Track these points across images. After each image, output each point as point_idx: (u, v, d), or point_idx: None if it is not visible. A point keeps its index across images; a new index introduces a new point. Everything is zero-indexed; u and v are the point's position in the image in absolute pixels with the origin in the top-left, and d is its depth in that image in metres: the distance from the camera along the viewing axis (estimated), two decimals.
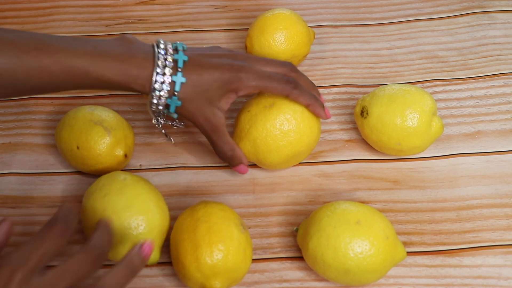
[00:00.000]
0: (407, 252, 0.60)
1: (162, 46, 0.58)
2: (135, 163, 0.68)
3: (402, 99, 0.64)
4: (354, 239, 0.55)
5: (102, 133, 0.62)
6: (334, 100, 0.74)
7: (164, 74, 0.57)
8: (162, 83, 0.57)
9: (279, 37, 0.71)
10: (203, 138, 0.70)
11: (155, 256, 0.58)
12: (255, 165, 0.67)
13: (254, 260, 0.61)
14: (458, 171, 0.67)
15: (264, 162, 0.64)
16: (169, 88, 0.57)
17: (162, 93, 0.57)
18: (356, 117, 0.67)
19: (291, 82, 0.60)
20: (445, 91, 0.74)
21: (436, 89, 0.74)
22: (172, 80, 0.57)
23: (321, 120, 0.71)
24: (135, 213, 0.56)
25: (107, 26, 0.81)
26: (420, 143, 0.65)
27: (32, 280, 0.44)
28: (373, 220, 0.56)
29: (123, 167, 0.66)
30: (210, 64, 0.59)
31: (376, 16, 0.82)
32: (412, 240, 0.62)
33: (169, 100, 0.58)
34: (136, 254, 0.49)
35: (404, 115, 0.63)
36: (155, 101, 0.58)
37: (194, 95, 0.58)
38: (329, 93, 0.74)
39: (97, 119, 0.63)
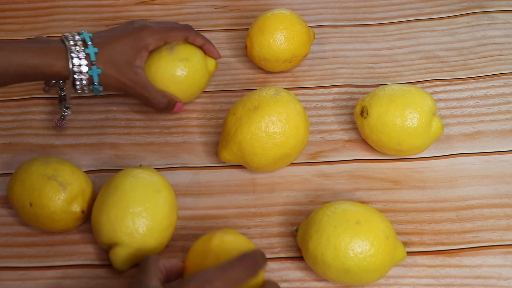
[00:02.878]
0: (407, 252, 0.60)
1: (69, 35, 0.63)
2: (135, 163, 0.68)
3: (402, 99, 0.64)
4: (354, 239, 0.55)
5: (56, 189, 0.59)
6: (334, 100, 0.74)
7: (77, 51, 0.61)
8: (79, 58, 0.61)
9: (279, 37, 0.71)
10: (203, 138, 0.70)
11: (123, 266, 0.57)
12: None
13: None
14: (458, 171, 0.67)
15: (251, 164, 0.64)
16: (86, 62, 0.62)
17: (82, 68, 0.62)
18: (356, 117, 0.67)
19: (187, 27, 0.69)
20: (445, 91, 0.74)
21: (436, 89, 0.74)
22: (86, 53, 0.62)
23: (321, 120, 0.72)
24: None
25: (107, 26, 0.81)
26: (420, 143, 0.65)
27: None
28: (373, 220, 0.56)
29: (80, 224, 0.62)
30: (116, 34, 0.65)
31: (376, 16, 0.82)
32: (412, 240, 0.62)
33: (90, 71, 0.62)
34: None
35: (404, 115, 0.63)
36: (77, 76, 0.62)
37: (111, 62, 0.63)
38: (329, 93, 0.74)
39: (51, 173, 0.59)
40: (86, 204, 0.61)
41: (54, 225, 0.60)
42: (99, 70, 0.63)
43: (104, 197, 0.58)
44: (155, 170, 0.62)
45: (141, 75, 0.65)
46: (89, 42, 0.62)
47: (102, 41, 0.63)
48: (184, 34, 0.68)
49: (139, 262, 0.52)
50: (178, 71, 0.68)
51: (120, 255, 0.57)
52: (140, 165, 0.65)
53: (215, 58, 0.71)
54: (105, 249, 0.59)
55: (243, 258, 0.48)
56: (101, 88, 0.64)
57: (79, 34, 0.63)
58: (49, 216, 0.59)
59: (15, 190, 0.60)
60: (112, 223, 0.57)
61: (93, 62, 0.62)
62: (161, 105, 0.67)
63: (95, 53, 0.62)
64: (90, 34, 0.63)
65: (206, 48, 0.70)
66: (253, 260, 0.48)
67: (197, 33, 0.69)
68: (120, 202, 0.57)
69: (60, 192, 0.59)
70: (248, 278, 0.47)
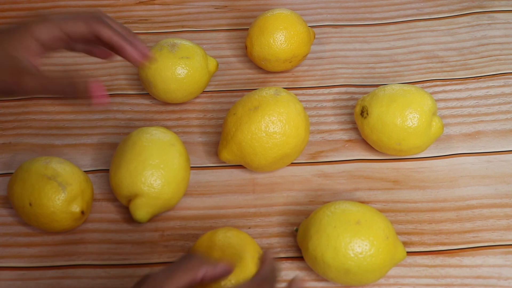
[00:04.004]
0: (407, 252, 0.60)
1: None
2: None
3: (402, 99, 0.64)
4: (354, 239, 0.55)
5: (56, 189, 0.59)
6: (334, 100, 0.74)
7: None
8: None
9: (279, 37, 0.71)
10: (203, 138, 0.70)
11: (143, 216, 0.60)
12: None
13: None
14: (458, 171, 0.67)
15: (251, 164, 0.64)
16: None
17: None
18: (356, 117, 0.67)
19: (96, 17, 0.54)
20: (445, 91, 0.74)
21: (436, 89, 0.74)
22: None
23: (321, 120, 0.72)
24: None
25: None
26: (420, 143, 0.65)
27: None
28: (373, 220, 0.56)
29: (80, 224, 0.62)
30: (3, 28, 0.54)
31: (376, 16, 0.82)
32: (412, 240, 0.62)
33: None
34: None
35: (404, 115, 0.63)
36: None
37: None
38: (329, 93, 0.74)
39: (51, 173, 0.59)
40: (85, 205, 0.61)
41: (54, 225, 0.60)
42: None
43: (122, 152, 0.61)
44: (166, 128, 0.65)
45: (21, 62, 0.52)
46: None
47: None
48: (90, 25, 0.54)
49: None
50: (178, 69, 0.68)
51: (140, 205, 0.60)
52: None
53: (132, 63, 0.56)
54: (125, 205, 0.62)
55: (184, 260, 0.47)
56: None
57: None
58: (49, 216, 0.59)
59: (15, 189, 0.60)
60: (133, 175, 0.60)
61: None
62: (64, 87, 0.52)
63: None
64: None
65: (116, 46, 0.55)
66: (195, 263, 0.47)
67: (108, 25, 0.54)
68: (139, 155, 0.60)
69: (59, 192, 0.59)
70: (191, 279, 0.46)
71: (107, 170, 0.67)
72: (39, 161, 0.61)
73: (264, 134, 0.62)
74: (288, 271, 0.61)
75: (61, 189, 0.59)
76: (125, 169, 0.60)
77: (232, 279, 0.52)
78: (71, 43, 0.56)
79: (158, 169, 0.60)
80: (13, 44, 0.53)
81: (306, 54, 0.75)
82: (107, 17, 0.56)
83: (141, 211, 0.60)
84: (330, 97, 0.74)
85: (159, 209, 0.61)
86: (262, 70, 0.76)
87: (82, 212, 0.61)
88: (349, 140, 0.70)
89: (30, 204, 0.59)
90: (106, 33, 0.54)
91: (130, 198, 0.60)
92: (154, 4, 0.84)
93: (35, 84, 0.52)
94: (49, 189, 0.59)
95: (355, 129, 0.70)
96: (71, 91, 0.51)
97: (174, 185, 0.61)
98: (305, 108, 0.70)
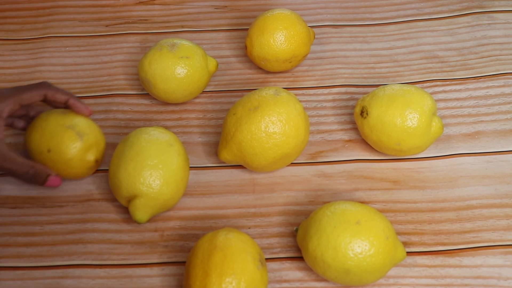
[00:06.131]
0: (407, 252, 0.60)
1: None
2: None
3: (402, 99, 0.64)
4: (354, 239, 0.55)
5: (74, 138, 0.62)
6: (334, 100, 0.74)
7: None
8: None
9: (279, 37, 0.71)
10: (203, 138, 0.70)
11: (143, 216, 0.60)
12: None
13: None
14: (458, 171, 0.67)
15: (251, 164, 0.64)
16: None
17: None
18: (356, 117, 0.67)
19: (44, 85, 0.63)
20: (445, 91, 0.74)
21: (436, 89, 0.74)
22: None
23: (321, 120, 0.72)
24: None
25: (107, 26, 0.81)
26: (420, 143, 0.65)
27: None
28: (373, 220, 0.56)
29: (92, 173, 0.66)
30: None
31: (376, 16, 0.82)
32: (412, 240, 0.62)
33: None
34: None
35: (404, 115, 0.63)
36: None
37: None
38: (329, 93, 0.74)
39: (70, 123, 0.63)
40: (99, 154, 0.65)
41: (69, 171, 0.63)
42: None
43: (121, 153, 0.61)
44: (165, 128, 0.65)
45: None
46: None
47: None
48: (41, 92, 0.62)
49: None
50: (178, 68, 0.68)
51: (139, 206, 0.60)
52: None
53: (83, 115, 0.64)
54: (124, 205, 0.62)
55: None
56: None
57: None
58: (66, 163, 0.62)
59: (34, 136, 0.63)
60: (131, 175, 0.60)
61: None
62: (27, 177, 0.60)
63: None
64: None
65: (71, 104, 0.63)
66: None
67: (57, 89, 0.63)
68: (138, 156, 0.60)
69: (77, 141, 0.62)
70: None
71: (106, 171, 0.67)
72: (57, 112, 0.64)
73: (264, 134, 0.62)
74: (288, 271, 0.61)
75: (79, 138, 0.62)
76: (123, 169, 0.60)
77: (233, 281, 0.52)
78: (22, 112, 0.65)
79: (156, 170, 0.60)
80: None
81: (306, 54, 0.75)
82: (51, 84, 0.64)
83: (140, 211, 0.60)
84: (330, 97, 0.74)
85: (158, 209, 0.61)
86: (262, 70, 0.76)
87: (96, 161, 0.64)
88: (349, 140, 0.70)
89: (49, 151, 0.62)
90: (60, 97, 0.63)
91: (129, 199, 0.60)
92: (154, 4, 0.84)
93: (26, 170, 0.60)
94: (68, 137, 0.62)
95: (355, 129, 0.70)
96: (33, 179, 0.60)
97: (173, 185, 0.61)
98: (305, 108, 0.70)
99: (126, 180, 0.60)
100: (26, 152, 0.64)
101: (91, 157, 0.63)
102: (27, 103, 0.62)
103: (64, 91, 0.64)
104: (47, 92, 0.62)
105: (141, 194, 0.59)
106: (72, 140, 0.62)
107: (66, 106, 0.64)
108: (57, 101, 0.63)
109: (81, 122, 0.63)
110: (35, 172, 0.60)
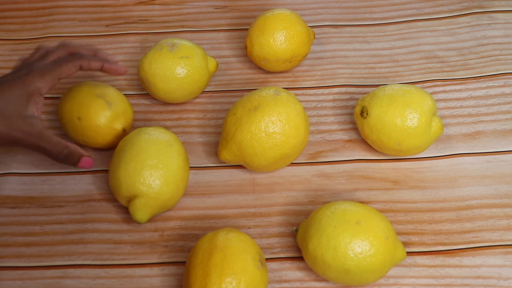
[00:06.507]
0: (407, 252, 0.60)
1: None
2: None
3: (402, 99, 0.64)
4: (354, 239, 0.55)
5: (103, 106, 0.64)
6: (334, 100, 0.74)
7: None
8: None
9: (279, 37, 0.71)
10: (203, 138, 0.70)
11: (143, 217, 0.60)
12: None
13: None
14: (458, 171, 0.67)
15: (251, 164, 0.64)
16: None
17: None
18: (356, 117, 0.67)
19: (78, 56, 0.62)
20: (445, 91, 0.74)
21: (436, 89, 0.74)
22: None
23: (321, 120, 0.72)
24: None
25: (107, 26, 0.81)
26: (420, 143, 0.65)
27: None
28: (373, 220, 0.56)
29: (118, 142, 0.65)
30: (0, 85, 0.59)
31: (376, 16, 0.82)
32: (412, 240, 0.62)
33: None
34: None
35: (404, 115, 0.63)
36: None
37: None
38: (329, 93, 0.74)
39: (100, 92, 0.65)
40: (127, 124, 0.67)
41: (98, 139, 0.65)
42: None
43: (121, 153, 0.62)
44: (165, 128, 0.65)
45: (36, 125, 0.58)
46: None
47: None
48: (76, 64, 0.61)
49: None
50: (178, 68, 0.68)
51: (139, 206, 0.60)
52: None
53: (119, 75, 0.65)
54: (124, 205, 0.62)
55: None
56: None
57: None
58: (95, 130, 0.65)
59: (65, 105, 0.65)
60: (131, 175, 0.60)
61: None
62: (61, 157, 0.60)
63: None
64: None
65: (106, 69, 0.63)
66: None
67: (91, 57, 0.63)
68: (138, 156, 0.60)
69: (106, 109, 0.64)
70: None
71: (106, 171, 0.67)
72: (88, 83, 0.67)
73: (264, 134, 0.62)
74: (288, 271, 0.61)
75: (108, 106, 0.65)
76: (123, 169, 0.60)
77: (233, 282, 0.52)
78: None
79: (156, 170, 0.60)
80: (28, 107, 0.58)
81: (306, 54, 0.75)
82: (75, 46, 0.64)
83: (140, 211, 0.60)
84: (330, 97, 0.74)
85: (158, 209, 0.61)
86: (262, 70, 0.76)
87: (124, 130, 0.66)
88: (349, 140, 0.70)
89: (79, 118, 0.64)
90: (95, 64, 0.62)
91: (129, 199, 0.60)
92: (154, 4, 0.84)
93: (61, 150, 0.59)
94: (97, 105, 0.64)
95: (355, 129, 0.70)
96: (67, 159, 0.60)
97: (173, 185, 0.61)
98: (305, 108, 0.70)
99: (126, 180, 0.60)
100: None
101: (119, 125, 0.65)
102: (65, 77, 0.61)
103: (96, 57, 0.63)
104: (82, 62, 0.62)
105: (141, 194, 0.59)
106: (102, 108, 0.64)
107: (101, 71, 0.63)
108: (92, 69, 0.63)
109: (110, 92, 0.66)
110: (69, 152, 0.60)
